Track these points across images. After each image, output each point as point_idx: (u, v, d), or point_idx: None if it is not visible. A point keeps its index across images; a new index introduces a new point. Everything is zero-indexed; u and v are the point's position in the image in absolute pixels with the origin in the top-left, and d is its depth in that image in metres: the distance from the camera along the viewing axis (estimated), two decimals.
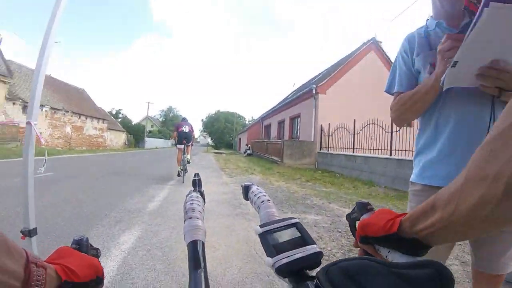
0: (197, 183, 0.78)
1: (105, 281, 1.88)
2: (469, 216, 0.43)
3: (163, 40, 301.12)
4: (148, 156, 23.68)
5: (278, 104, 27.28)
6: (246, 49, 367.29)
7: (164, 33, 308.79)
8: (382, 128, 10.39)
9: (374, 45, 17.40)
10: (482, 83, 0.98)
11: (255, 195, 0.73)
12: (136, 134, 48.73)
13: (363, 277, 0.37)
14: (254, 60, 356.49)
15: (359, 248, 0.67)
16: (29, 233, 1.59)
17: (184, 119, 10.02)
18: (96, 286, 0.56)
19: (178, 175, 9.16)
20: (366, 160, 10.30)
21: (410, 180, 1.39)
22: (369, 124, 11.13)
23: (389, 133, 10.03)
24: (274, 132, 25.57)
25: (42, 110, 23.98)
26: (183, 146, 9.24)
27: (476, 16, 0.79)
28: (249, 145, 30.02)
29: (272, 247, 0.51)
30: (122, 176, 9.40)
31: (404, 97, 1.29)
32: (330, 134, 14.19)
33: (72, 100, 30.34)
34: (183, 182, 8.62)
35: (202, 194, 0.73)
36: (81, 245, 0.61)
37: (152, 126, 71.09)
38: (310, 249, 0.50)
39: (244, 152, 29.89)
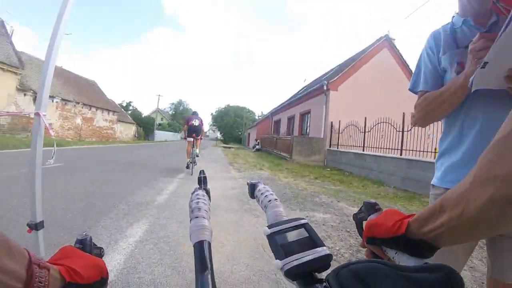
0: (202, 181, 0.76)
1: (111, 274, 1.86)
2: (478, 217, 0.43)
3: (174, 33, 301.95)
4: (157, 148, 23.77)
5: (288, 99, 27.17)
6: (257, 44, 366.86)
7: (176, 27, 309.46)
8: (394, 127, 10.28)
9: (387, 42, 17.17)
10: (510, 86, 0.93)
11: (261, 193, 0.71)
12: (146, 127, 48.99)
13: (372, 280, 0.37)
14: (265, 55, 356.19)
15: (366, 249, 0.66)
16: (35, 227, 1.56)
17: (194, 113, 10.17)
18: (100, 287, 0.54)
19: (187, 167, 9.56)
20: (376, 159, 10.20)
21: (432, 183, 1.34)
22: (380, 122, 11.01)
23: (400, 132, 9.92)
24: (283, 127, 25.46)
25: (53, 101, 24.24)
26: (192, 139, 9.46)
27: (509, 17, 0.75)
28: (258, 140, 29.98)
29: (281, 249, 0.49)
30: (131, 168, 9.44)
31: (430, 96, 1.23)
32: (340, 132, 14.08)
33: (82, 92, 30.56)
34: (191, 174, 8.88)
35: (207, 192, 0.72)
36: (85, 245, 0.58)
37: (162, 119, 71.51)
38: (320, 252, 0.49)
39: (253, 147, 29.91)
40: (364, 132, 11.99)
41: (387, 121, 10.62)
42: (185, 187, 6.60)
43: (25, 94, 20.69)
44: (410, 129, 9.64)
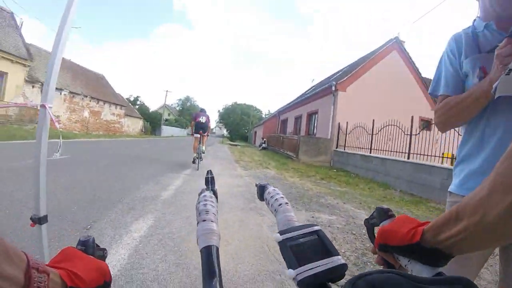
0: (210, 181, 0.73)
1: (115, 269, 1.84)
2: (497, 224, 0.42)
3: (183, 29, 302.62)
4: (164, 144, 23.83)
5: (296, 99, 27.12)
6: (266, 43, 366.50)
7: (184, 23, 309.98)
8: (402, 130, 10.19)
9: (396, 45, 17.06)
10: None
11: (271, 196, 0.69)
12: (153, 122, 49.16)
13: None
14: (274, 54, 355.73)
15: (376, 255, 0.64)
16: (39, 221, 1.54)
17: (202, 110, 10.35)
18: None
19: (193, 162, 9.75)
20: (382, 162, 10.13)
21: (449, 190, 1.30)
22: (388, 125, 10.92)
23: (408, 136, 9.83)
24: (290, 127, 25.40)
25: (61, 94, 24.40)
26: (199, 135, 9.61)
27: None
28: (264, 139, 29.96)
29: (293, 258, 0.47)
30: (137, 163, 9.46)
31: (452, 101, 1.20)
32: (347, 133, 13.99)
33: (91, 85, 30.69)
34: (197, 170, 9.02)
35: (215, 193, 0.68)
36: (87, 247, 0.56)
37: (169, 115, 71.72)
38: (335, 261, 0.47)
39: (259, 146, 29.90)
40: (372, 134, 11.90)
41: (395, 124, 10.53)
42: (191, 183, 6.59)
43: (33, 86, 20.84)
44: (418, 133, 9.58)
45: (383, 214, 0.64)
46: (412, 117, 9.95)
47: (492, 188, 0.43)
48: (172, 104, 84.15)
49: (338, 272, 0.46)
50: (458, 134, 7.34)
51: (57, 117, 23.73)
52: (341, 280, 0.47)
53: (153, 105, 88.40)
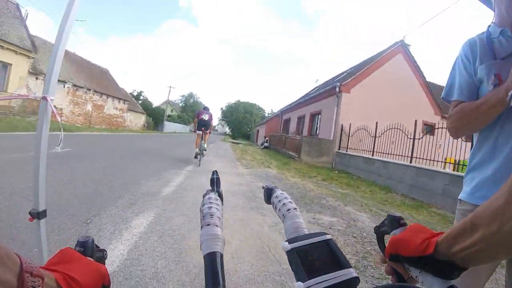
0: (215, 182, 0.70)
1: (114, 265, 1.82)
2: None
3: (188, 25, 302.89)
4: (166, 139, 23.84)
5: (299, 99, 27.05)
6: (271, 42, 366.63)
7: (189, 20, 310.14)
8: (405, 134, 10.16)
9: (402, 48, 16.98)
10: None
11: (279, 201, 0.66)
12: (155, 117, 49.21)
13: None
14: (278, 54, 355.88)
15: (386, 264, 0.62)
16: (37, 215, 1.50)
17: (205, 108, 10.53)
18: None
19: (195, 157, 9.87)
20: (384, 165, 10.09)
21: (459, 197, 1.28)
22: (392, 128, 10.88)
23: (411, 140, 9.80)
24: (293, 127, 25.37)
25: (64, 86, 24.44)
26: (201, 132, 9.84)
27: None
28: (266, 138, 29.98)
29: (302, 269, 0.44)
30: (139, 158, 9.45)
31: (466, 108, 1.17)
32: (350, 135, 13.95)
33: (95, 79, 30.71)
34: (199, 166, 9.23)
35: (220, 195, 0.65)
36: (86, 248, 0.53)
37: (172, 111, 71.66)
38: (346, 274, 0.44)
39: (261, 145, 29.91)
40: (375, 136, 11.87)
41: (399, 127, 10.49)
42: (193, 180, 6.58)
43: (37, 78, 20.87)
44: (421, 137, 9.56)
45: (395, 222, 0.62)
46: (416, 121, 9.91)
47: (510, 197, 0.42)
48: (175, 100, 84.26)
49: (350, 286, 0.44)
50: (462, 140, 7.34)
51: (60, 110, 23.78)
52: None
53: (156, 101, 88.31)
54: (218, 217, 0.55)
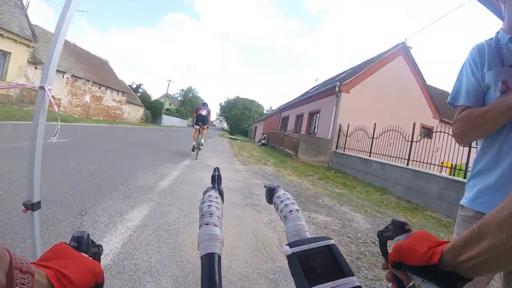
0: (216, 180, 0.68)
1: (107, 258, 1.80)
2: None
3: (190, 20, 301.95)
4: (163, 133, 23.79)
5: (298, 97, 27.02)
6: (272, 40, 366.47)
7: (192, 14, 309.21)
8: (403, 136, 10.16)
9: (403, 50, 16.94)
10: None
11: (281, 201, 0.64)
12: (154, 111, 49.05)
13: None
14: (279, 51, 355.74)
15: (387, 271, 0.61)
16: (31, 207, 1.48)
17: (204, 104, 10.83)
18: None
19: (193, 150, 10.01)
20: (381, 166, 10.10)
21: (461, 203, 1.27)
22: (390, 130, 10.88)
23: (409, 142, 9.81)
24: (291, 125, 25.33)
25: (63, 77, 24.35)
26: (199, 127, 10.04)
27: None
28: (264, 135, 29.96)
29: (303, 276, 0.43)
30: (136, 151, 9.43)
31: (473, 113, 1.16)
32: (348, 135, 13.96)
33: (94, 70, 30.59)
34: (196, 159, 9.46)
35: (221, 193, 0.64)
36: (81, 243, 0.50)
37: (170, 104, 71.36)
38: (349, 283, 0.43)
39: (259, 141, 29.91)
40: (373, 138, 11.87)
41: (397, 129, 10.50)
42: (189, 175, 6.56)
43: (36, 68, 20.77)
44: (419, 140, 9.56)
45: (399, 227, 0.60)
46: (414, 124, 9.93)
47: None
48: (174, 94, 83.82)
49: None
50: (460, 145, 7.34)
51: (58, 100, 23.68)
52: None
53: (155, 94, 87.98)
54: (217, 216, 0.54)
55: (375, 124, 11.82)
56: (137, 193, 4.47)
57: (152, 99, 55.51)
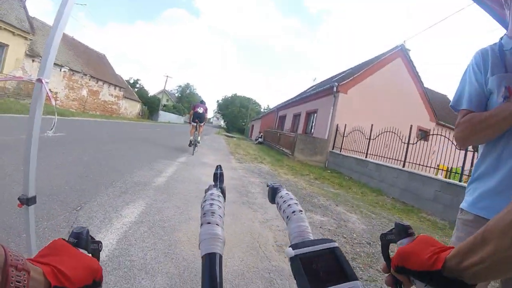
0: (218, 178, 0.69)
1: (102, 254, 1.79)
2: None
3: (189, 16, 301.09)
4: (160, 129, 23.71)
5: (296, 96, 27.02)
6: (271, 39, 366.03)
7: (191, 10, 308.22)
8: (399, 138, 10.18)
9: (402, 52, 16.97)
10: None
11: (284, 201, 0.64)
12: (151, 106, 48.85)
13: None
14: (278, 51, 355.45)
15: (387, 274, 0.60)
16: (27, 202, 1.46)
17: (202, 102, 11.06)
18: None
19: (189, 145, 10.41)
20: (377, 168, 10.12)
21: (461, 207, 1.28)
22: (387, 131, 10.90)
23: (405, 144, 9.83)
24: (288, 124, 25.32)
25: (60, 70, 24.18)
26: (195, 124, 10.43)
27: None
28: (261, 133, 29.96)
29: (306, 279, 0.42)
30: (132, 146, 9.39)
31: (476, 118, 1.16)
32: (345, 135, 13.97)
33: (91, 64, 30.40)
34: (192, 155, 9.74)
35: (223, 192, 0.64)
36: (80, 239, 0.49)
37: (167, 101, 71.17)
38: (352, 287, 0.41)
39: (255, 140, 29.90)
40: (369, 139, 11.88)
41: (394, 131, 10.51)
42: (185, 172, 6.54)
43: (33, 60, 20.60)
44: (416, 142, 9.60)
45: (403, 231, 0.59)
46: (411, 126, 9.96)
47: None
48: (171, 90, 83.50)
49: None
50: (456, 148, 7.38)
51: (55, 94, 23.56)
52: None
53: (152, 90, 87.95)
54: (219, 215, 0.53)
55: (372, 125, 11.83)
56: (133, 189, 4.45)
57: (149, 95, 55.29)
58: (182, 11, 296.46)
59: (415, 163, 9.21)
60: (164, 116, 53.19)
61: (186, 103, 70.04)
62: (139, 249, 2.58)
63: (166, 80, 60.63)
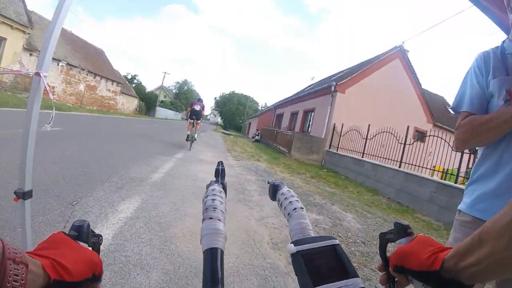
0: (220, 173, 0.68)
1: (102, 252, 1.79)
2: None
3: (189, 12, 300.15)
4: (157, 125, 23.65)
5: (294, 95, 26.99)
6: (270, 37, 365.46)
7: (191, 7, 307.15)
8: (396, 139, 10.20)
9: (400, 53, 16.99)
10: None
11: (285, 198, 0.63)
12: (148, 102, 48.69)
13: None
14: (277, 49, 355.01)
15: (382, 273, 0.61)
16: (23, 196, 1.46)
17: (199, 100, 11.26)
18: (90, 285, 0.46)
19: (187, 139, 10.54)
20: (374, 167, 10.14)
21: (459, 208, 1.29)
22: (383, 132, 10.92)
23: (402, 145, 9.86)
24: (285, 122, 25.31)
25: (58, 65, 24.10)
26: (193, 120, 10.55)
27: None
28: (258, 131, 29.92)
29: (307, 276, 0.42)
30: (129, 142, 9.37)
31: (477, 120, 1.17)
32: (342, 134, 13.98)
33: (89, 59, 30.29)
34: (189, 150, 9.93)
35: (224, 188, 0.63)
36: (81, 233, 0.49)
37: (165, 97, 70.86)
38: (354, 284, 0.42)
39: (252, 137, 29.85)
40: (366, 138, 11.90)
41: (390, 131, 10.53)
42: (182, 168, 6.53)
43: (31, 54, 20.51)
44: (412, 143, 9.63)
45: (402, 230, 0.60)
46: (408, 126, 9.99)
47: None
48: (169, 86, 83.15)
49: None
50: (453, 150, 7.41)
51: (52, 88, 23.45)
52: None
53: (150, 86, 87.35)
54: (221, 210, 0.54)
55: (369, 125, 11.86)
56: (129, 184, 4.45)
57: (146, 91, 55.09)
58: (182, 8, 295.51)
59: (412, 164, 9.24)
60: (161, 112, 53.04)
61: (184, 100, 69.80)
62: (135, 245, 2.57)
63: (164, 76, 60.32)
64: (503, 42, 1.24)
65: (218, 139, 21.32)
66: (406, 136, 9.79)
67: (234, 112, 78.34)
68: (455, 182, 7.11)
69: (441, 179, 8.00)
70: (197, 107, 10.73)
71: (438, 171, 8.92)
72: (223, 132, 38.08)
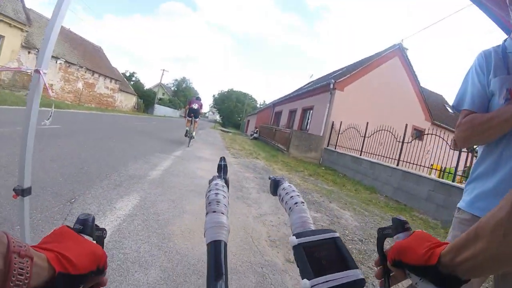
0: (222, 169, 0.69)
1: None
2: None
3: (187, 9, 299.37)
4: (156, 123, 23.62)
5: (292, 92, 26.95)
6: (269, 35, 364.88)
7: (190, 4, 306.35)
8: (394, 137, 10.21)
9: (399, 51, 16.99)
10: None
11: (287, 193, 0.65)
12: (146, 100, 48.62)
13: None
14: (276, 47, 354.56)
15: (380, 267, 0.62)
16: (22, 193, 1.46)
17: (198, 98, 11.45)
18: (94, 278, 0.47)
19: (185, 135, 10.84)
20: (371, 165, 10.15)
21: (458, 206, 1.30)
22: (382, 130, 10.93)
23: (400, 143, 9.87)
24: (284, 120, 25.26)
25: (56, 62, 24.05)
26: (191, 118, 10.80)
27: None
28: (257, 129, 29.86)
29: (309, 267, 0.43)
30: (127, 139, 9.35)
31: (477, 119, 1.18)
32: (340, 132, 13.97)
33: (87, 57, 30.22)
34: (188, 146, 10.12)
35: (227, 183, 0.65)
36: (86, 226, 0.50)
37: (163, 94, 70.76)
38: (353, 275, 0.43)
39: (251, 135, 29.81)
40: (364, 136, 11.91)
41: (389, 130, 10.54)
42: (180, 166, 6.52)
43: (29, 52, 20.46)
44: (410, 141, 9.63)
45: (400, 226, 0.61)
46: (406, 125, 9.99)
47: None
48: (167, 84, 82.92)
49: (356, 287, 0.43)
50: (450, 148, 7.43)
51: (51, 86, 23.38)
52: None
53: (148, 83, 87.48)
54: (224, 204, 0.55)
55: (367, 123, 11.85)
56: (128, 182, 4.45)
57: (145, 88, 55.01)
58: (180, 5, 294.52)
59: (409, 162, 9.25)
60: (160, 110, 53.02)
61: (182, 97, 69.79)
62: (133, 242, 2.58)
63: (163, 74, 60.18)
64: (505, 41, 1.25)
65: (216, 136, 21.31)
66: (404, 134, 9.80)
67: (232, 110, 78.31)
68: (453, 181, 7.13)
69: (439, 177, 8.02)
70: (195, 106, 10.93)
71: (436, 169, 8.94)
72: (221, 130, 38.06)
